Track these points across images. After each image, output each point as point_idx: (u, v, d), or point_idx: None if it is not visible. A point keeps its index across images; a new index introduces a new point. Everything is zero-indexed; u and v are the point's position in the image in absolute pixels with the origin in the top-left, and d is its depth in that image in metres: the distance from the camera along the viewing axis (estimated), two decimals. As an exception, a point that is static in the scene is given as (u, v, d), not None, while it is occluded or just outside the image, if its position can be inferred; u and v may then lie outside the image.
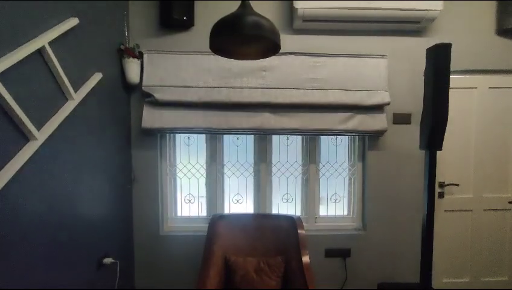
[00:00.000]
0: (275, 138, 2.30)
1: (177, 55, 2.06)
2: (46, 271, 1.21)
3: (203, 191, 2.31)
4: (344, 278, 2.25)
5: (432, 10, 1.95)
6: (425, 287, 1.84)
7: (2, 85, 0.95)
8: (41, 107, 1.20)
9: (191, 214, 2.32)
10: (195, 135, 2.26)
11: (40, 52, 1.17)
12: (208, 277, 1.69)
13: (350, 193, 2.37)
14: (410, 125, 2.22)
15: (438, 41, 1.73)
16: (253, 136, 2.28)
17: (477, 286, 2.34)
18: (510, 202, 2.32)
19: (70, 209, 1.39)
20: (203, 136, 2.26)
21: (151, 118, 2.03)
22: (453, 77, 1.83)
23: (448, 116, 1.70)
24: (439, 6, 1.95)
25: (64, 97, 1.35)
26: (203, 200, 2.32)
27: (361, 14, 1.96)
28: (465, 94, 2.27)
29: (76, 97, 1.41)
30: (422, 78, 1.88)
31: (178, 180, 2.30)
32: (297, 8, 1.93)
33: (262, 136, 2.26)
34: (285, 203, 2.36)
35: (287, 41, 2.10)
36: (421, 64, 1.99)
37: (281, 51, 1.31)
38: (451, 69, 1.70)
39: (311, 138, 2.29)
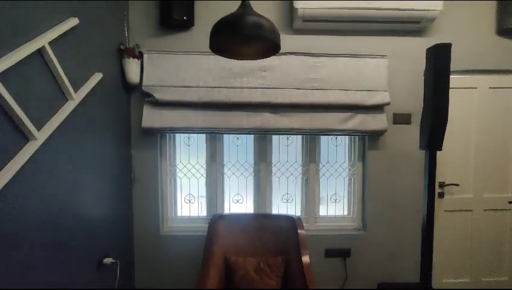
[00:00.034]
0: (274, 137, 2.30)
1: (177, 55, 2.06)
2: (46, 271, 1.21)
3: (203, 191, 2.31)
4: (344, 278, 2.25)
5: (431, 10, 1.95)
6: (425, 287, 1.84)
7: (2, 85, 0.95)
8: (41, 107, 1.20)
9: (191, 214, 2.32)
10: (195, 135, 2.26)
11: (40, 52, 1.17)
12: (207, 277, 1.69)
13: (350, 193, 2.37)
14: (410, 125, 2.22)
15: (438, 41, 1.73)
16: (253, 136, 2.28)
17: (477, 286, 2.34)
18: (510, 202, 2.32)
19: (70, 209, 1.39)
20: (203, 136, 2.26)
21: (151, 117, 2.03)
22: (453, 77, 1.82)
23: (448, 116, 1.70)
24: (439, 6, 1.95)
25: (64, 97, 1.35)
26: (203, 200, 2.32)
27: (362, 14, 1.96)
28: (465, 94, 2.27)
29: (77, 97, 1.41)
30: (422, 78, 1.88)
31: (178, 180, 2.30)
32: (297, 8, 1.93)
33: (262, 136, 2.26)
34: (285, 203, 2.36)
35: (287, 41, 2.10)
36: (421, 64, 1.99)
37: (281, 51, 1.31)
38: (451, 69, 1.70)
39: (311, 138, 2.29)
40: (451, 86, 1.71)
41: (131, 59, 1.95)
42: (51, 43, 1.20)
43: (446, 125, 1.72)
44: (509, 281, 2.35)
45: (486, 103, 2.29)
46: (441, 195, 2.30)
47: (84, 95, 1.47)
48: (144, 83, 2.03)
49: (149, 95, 2.03)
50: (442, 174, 2.28)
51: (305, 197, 2.35)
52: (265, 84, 2.09)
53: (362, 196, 2.33)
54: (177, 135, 2.28)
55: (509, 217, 2.34)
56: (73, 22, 1.37)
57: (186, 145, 2.29)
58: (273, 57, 1.84)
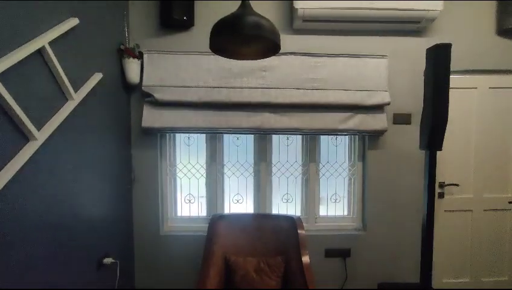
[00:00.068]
0: (274, 137, 2.30)
1: (177, 55, 2.06)
2: (46, 271, 1.21)
3: (203, 191, 2.31)
4: (344, 278, 2.25)
5: (432, 10, 1.95)
6: (425, 287, 1.84)
7: (2, 85, 0.95)
8: (41, 107, 1.20)
9: (191, 214, 2.32)
10: (195, 135, 2.26)
11: (40, 52, 1.17)
12: (207, 277, 1.69)
13: (350, 193, 2.37)
14: (410, 125, 2.22)
15: (438, 41, 1.73)
16: (253, 136, 2.28)
17: (477, 286, 2.34)
18: (510, 202, 2.32)
19: (70, 209, 1.39)
20: (203, 136, 2.26)
21: (151, 117, 2.03)
22: (453, 77, 1.82)
23: (448, 116, 1.70)
24: (439, 6, 1.95)
25: (64, 97, 1.35)
26: (203, 200, 2.32)
27: (362, 14, 1.96)
28: (465, 94, 2.27)
29: (77, 97, 1.41)
30: (422, 78, 1.88)
31: (178, 180, 2.30)
32: (297, 8, 1.93)
33: (262, 136, 2.26)
34: (285, 203, 2.36)
35: (287, 41, 2.10)
36: (421, 64, 1.99)
37: (281, 51, 1.31)
38: (451, 69, 1.70)
39: (311, 138, 2.29)
40: (451, 86, 1.71)
41: (131, 59, 1.95)
42: (51, 43, 1.20)
43: (446, 125, 1.72)
44: (509, 281, 2.35)
45: (486, 103, 2.29)
46: (441, 195, 2.30)
47: (84, 95, 1.47)
48: (144, 83, 2.03)
49: (149, 95, 2.03)
50: (442, 174, 2.28)
51: (305, 197, 2.35)
52: (265, 84, 2.09)
53: (362, 196, 2.33)
54: (177, 135, 2.28)
55: (509, 217, 2.34)
56: (73, 22, 1.37)
57: (186, 145, 2.29)
58: (273, 57, 1.84)
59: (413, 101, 2.18)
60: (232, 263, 1.82)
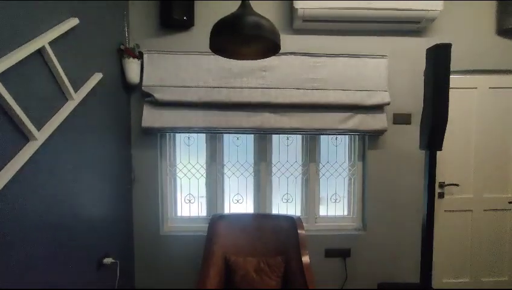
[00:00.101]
0: (274, 137, 2.30)
1: (177, 55, 2.06)
2: (46, 271, 1.21)
3: (203, 191, 2.31)
4: (344, 278, 2.25)
5: (432, 10, 1.95)
6: (425, 287, 1.84)
7: (2, 85, 0.95)
8: (41, 107, 1.20)
9: (191, 214, 2.32)
10: (195, 135, 2.26)
11: (40, 52, 1.17)
12: (207, 277, 1.69)
13: (350, 193, 2.37)
14: (410, 125, 2.22)
15: (438, 42, 1.73)
16: (253, 136, 2.28)
17: (477, 286, 2.34)
18: (510, 202, 2.32)
19: (70, 209, 1.39)
20: (203, 136, 2.26)
21: (151, 117, 2.03)
22: (453, 77, 1.83)
23: (448, 116, 1.70)
24: (439, 6, 1.95)
25: (64, 97, 1.35)
26: (203, 200, 2.32)
27: (362, 14, 1.96)
28: (465, 94, 2.27)
29: (77, 97, 1.41)
30: (422, 78, 1.88)
31: (178, 180, 2.30)
32: (297, 8, 1.93)
33: (262, 136, 2.26)
34: (285, 203, 2.36)
35: (287, 41, 2.10)
36: (421, 64, 1.99)
37: (281, 51, 1.31)
38: (451, 69, 1.70)
39: (311, 138, 2.29)
40: (451, 86, 1.71)
41: (131, 59, 1.95)
42: (51, 43, 1.20)
43: (446, 125, 1.72)
44: (509, 281, 2.35)
45: (486, 103, 2.29)
46: (441, 195, 2.30)
47: (84, 95, 1.47)
48: (144, 83, 2.03)
49: (149, 95, 2.03)
50: (442, 174, 2.28)
51: (305, 197, 2.35)
52: (265, 84, 2.09)
53: (362, 196, 2.33)
54: (177, 135, 2.28)
55: (509, 217, 2.34)
56: (73, 22, 1.37)
57: (186, 145, 2.29)
58: (273, 57, 1.84)
59: (413, 101, 2.18)
60: (232, 263, 1.82)
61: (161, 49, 2.06)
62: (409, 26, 2.09)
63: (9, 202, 1.01)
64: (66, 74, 1.31)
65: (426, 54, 1.77)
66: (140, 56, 2.02)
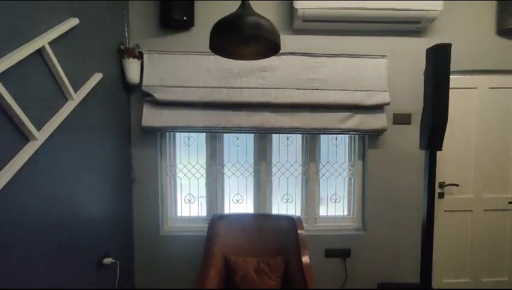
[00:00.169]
0: (274, 137, 2.30)
1: (177, 55, 2.06)
2: (46, 271, 1.21)
3: (203, 191, 2.31)
4: (344, 278, 2.25)
5: (432, 10, 1.95)
6: (425, 287, 1.84)
7: (2, 85, 0.95)
8: (41, 107, 1.20)
9: (191, 214, 2.32)
10: (195, 135, 2.26)
11: (40, 52, 1.17)
12: (207, 277, 1.69)
13: (350, 193, 2.37)
14: (410, 125, 2.22)
15: (438, 42, 1.73)
16: (253, 136, 2.28)
17: (477, 286, 2.34)
18: (510, 202, 2.32)
19: (70, 209, 1.39)
20: (203, 136, 2.26)
21: (151, 117, 2.03)
22: (453, 77, 1.83)
23: (448, 116, 1.70)
24: (439, 6, 1.95)
25: (64, 97, 1.35)
26: (203, 200, 2.32)
27: (361, 15, 1.96)
28: (465, 94, 2.27)
29: (76, 97, 1.41)
30: (422, 78, 1.88)
31: (178, 180, 2.30)
32: (297, 8, 1.93)
33: (262, 135, 2.26)
34: (285, 203, 2.36)
35: (287, 41, 2.10)
36: (421, 64, 1.99)
37: (281, 51, 1.31)
38: (451, 69, 1.70)
39: (311, 137, 2.29)
40: (451, 86, 1.71)
41: (131, 59, 1.95)
42: (51, 43, 1.20)
43: (446, 125, 1.72)
44: (509, 281, 2.35)
45: (486, 103, 2.29)
46: (441, 195, 2.30)
47: (84, 95, 1.47)
48: (144, 83, 2.03)
49: (149, 95, 2.03)
50: (442, 174, 2.28)
51: (305, 197, 2.35)
52: (265, 84, 2.09)
53: (362, 196, 2.33)
54: (177, 135, 2.28)
55: (509, 217, 2.34)
56: (73, 22, 1.37)
57: (186, 145, 2.29)
58: (273, 57, 1.84)
59: (413, 101, 2.18)
60: (232, 263, 1.82)
61: (161, 49, 2.06)
62: (409, 26, 2.09)
63: (9, 202, 1.01)
64: (66, 74, 1.31)
65: (426, 54, 1.77)
66: (140, 56, 2.02)
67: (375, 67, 2.14)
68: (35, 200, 1.15)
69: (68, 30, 1.33)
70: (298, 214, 2.34)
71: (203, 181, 2.30)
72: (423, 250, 1.83)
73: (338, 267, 2.25)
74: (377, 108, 2.14)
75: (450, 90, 1.70)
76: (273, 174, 2.32)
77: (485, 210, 2.33)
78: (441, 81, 1.68)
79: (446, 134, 1.75)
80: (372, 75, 2.13)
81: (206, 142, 2.28)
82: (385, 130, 2.14)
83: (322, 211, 2.36)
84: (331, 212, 2.37)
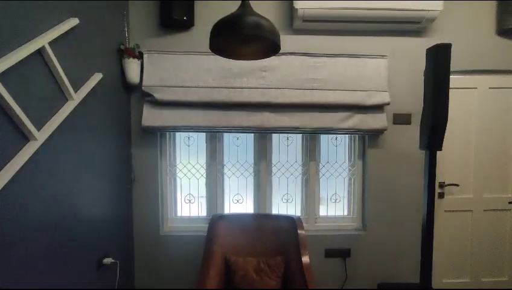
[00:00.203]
0: (274, 137, 2.30)
1: (177, 55, 2.06)
2: (46, 271, 1.21)
3: (203, 191, 2.31)
4: (344, 278, 2.25)
5: (432, 10, 1.95)
6: (425, 287, 1.84)
7: (2, 85, 0.95)
8: (41, 107, 1.20)
9: (191, 214, 2.32)
10: (195, 135, 2.26)
11: (40, 52, 1.17)
12: (207, 277, 1.69)
13: (350, 193, 2.37)
14: (410, 125, 2.22)
15: (438, 42, 1.73)
16: (253, 135, 2.28)
17: (477, 286, 2.34)
18: (510, 202, 2.32)
19: (70, 209, 1.39)
20: (203, 136, 2.26)
21: (151, 116, 2.03)
22: (453, 77, 1.83)
23: (448, 116, 1.70)
24: (439, 6, 1.95)
25: (64, 97, 1.35)
26: (203, 200, 2.32)
27: (361, 15, 1.96)
28: (465, 94, 2.27)
29: (76, 97, 1.41)
30: (422, 78, 1.88)
31: (178, 180, 2.30)
32: (297, 8, 1.93)
33: (262, 135, 2.26)
34: (285, 203, 2.35)
35: (287, 41, 2.10)
36: (421, 64, 1.99)
37: (281, 51, 1.31)
38: (451, 69, 1.70)
39: (311, 137, 2.29)
40: (451, 86, 1.71)
41: (131, 59, 1.95)
42: (51, 43, 1.20)
43: (446, 125, 1.72)
44: (509, 281, 2.35)
45: (486, 103, 2.29)
46: (441, 195, 2.30)
47: (84, 95, 1.47)
48: (144, 83, 2.03)
49: (149, 95, 2.03)
50: (442, 174, 2.28)
51: (305, 197, 2.35)
52: (266, 84, 2.09)
53: (362, 196, 2.33)
54: (177, 135, 2.28)
55: (509, 217, 2.34)
56: (73, 22, 1.37)
57: (186, 145, 2.29)
58: (273, 57, 1.84)
59: (413, 101, 2.18)
60: (232, 263, 1.82)
61: (161, 49, 2.06)
62: (409, 26, 2.09)
63: (9, 202, 1.01)
64: (66, 74, 1.31)
65: (426, 54, 1.77)
66: (140, 56, 2.02)
67: (375, 67, 2.14)
68: (35, 200, 1.15)
69: (68, 30, 1.33)
70: (298, 214, 2.34)
71: (203, 181, 2.30)
72: (423, 250, 1.83)
73: (338, 267, 2.25)
74: (377, 108, 2.14)
75: (450, 90, 1.70)
76: (273, 174, 2.32)
77: (485, 210, 2.33)
78: (441, 81, 1.68)
79: (446, 134, 1.75)
80: (372, 75, 2.13)
81: (206, 142, 2.28)
82: (385, 130, 2.14)
83: (322, 211, 2.36)
84: (331, 212, 2.37)
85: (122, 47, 1.92)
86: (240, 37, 1.19)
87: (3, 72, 0.96)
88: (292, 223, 1.94)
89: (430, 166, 1.79)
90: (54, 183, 1.27)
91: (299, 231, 1.87)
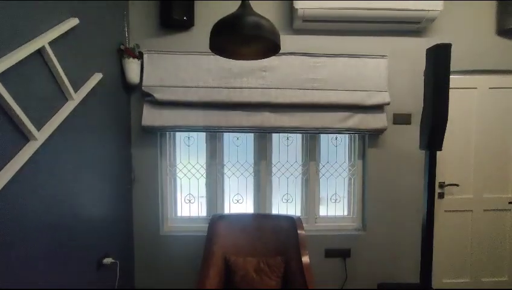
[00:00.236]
0: (274, 137, 2.30)
1: (177, 55, 2.06)
2: (46, 271, 1.21)
3: (203, 191, 2.31)
4: (344, 278, 2.25)
5: (432, 10, 1.95)
6: (425, 287, 1.84)
7: (2, 85, 0.95)
8: (41, 107, 1.20)
9: (191, 214, 2.32)
10: (195, 135, 2.26)
11: (40, 52, 1.17)
12: (207, 277, 1.69)
13: (350, 193, 2.37)
14: (410, 125, 2.22)
15: (438, 42, 1.73)
16: (253, 135, 2.28)
17: (477, 286, 2.34)
18: (510, 202, 2.32)
19: (70, 209, 1.39)
20: (203, 136, 2.26)
21: (151, 116, 2.03)
22: (453, 77, 1.83)
23: (448, 116, 1.70)
24: (439, 6, 1.95)
25: (64, 97, 1.35)
26: (203, 200, 2.32)
27: (361, 15, 1.96)
28: (465, 94, 2.27)
29: (76, 97, 1.41)
30: (422, 78, 1.88)
31: (178, 180, 2.30)
32: (297, 8, 1.93)
33: (262, 135, 2.26)
34: (285, 203, 2.35)
35: (287, 41, 2.10)
36: (421, 64, 1.99)
37: (281, 51, 1.31)
38: (451, 69, 1.70)
39: (311, 137, 2.29)
40: (451, 86, 1.71)
41: (131, 59, 1.95)
42: (51, 43, 1.20)
43: (446, 125, 1.72)
44: (509, 281, 2.35)
45: (486, 103, 2.29)
46: (441, 195, 2.30)
47: (84, 95, 1.47)
48: (144, 83, 2.03)
49: (149, 95, 2.03)
50: (442, 174, 2.28)
51: (305, 197, 2.35)
52: (266, 85, 2.09)
53: (362, 196, 2.33)
54: (177, 135, 2.28)
55: (509, 217, 2.34)
56: (73, 22, 1.37)
57: (186, 145, 2.29)
58: (273, 57, 1.84)
59: (413, 101, 2.18)
60: (232, 263, 1.82)
61: (161, 49, 2.06)
62: (409, 26, 2.09)
63: (9, 202, 1.01)
64: (66, 74, 1.31)
65: (426, 54, 1.77)
66: (140, 56, 2.02)
67: (375, 67, 2.14)
68: (35, 200, 1.15)
69: (68, 30, 1.33)
70: (298, 214, 2.34)
71: (203, 181, 2.30)
72: (423, 250, 1.83)
73: (338, 267, 2.25)
74: (377, 108, 2.14)
75: (450, 90, 1.70)
76: (273, 174, 2.32)
77: (485, 210, 2.33)
78: (441, 81, 1.68)
79: (446, 134, 1.75)
80: (372, 75, 2.13)
81: (206, 142, 2.28)
82: (385, 129, 2.14)
83: (322, 211, 2.36)
84: (331, 212, 2.37)
85: (122, 47, 1.92)
86: (240, 37, 1.19)
87: (3, 72, 0.96)
88: (292, 223, 1.94)
89: (430, 166, 1.79)
90: (54, 183, 1.27)
91: (299, 231, 1.87)
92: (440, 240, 2.30)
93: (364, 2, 1.91)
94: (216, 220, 1.97)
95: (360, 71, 2.13)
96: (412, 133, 2.19)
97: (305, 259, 1.75)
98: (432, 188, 1.79)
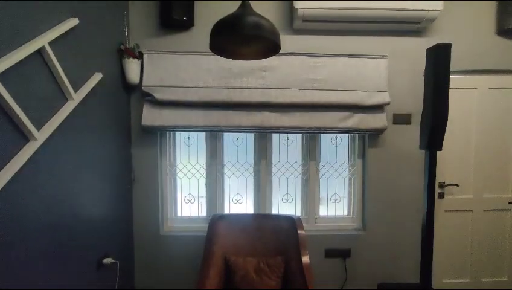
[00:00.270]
0: (274, 137, 2.30)
1: (177, 55, 2.06)
2: (46, 271, 1.21)
3: (203, 191, 2.31)
4: (344, 278, 2.25)
5: (432, 10, 1.95)
6: (425, 287, 1.84)
7: (2, 85, 0.95)
8: (41, 107, 1.20)
9: (191, 214, 2.32)
10: (195, 135, 2.26)
11: (40, 52, 1.17)
12: (207, 277, 1.69)
13: (350, 193, 2.37)
14: (410, 125, 2.22)
15: (438, 42, 1.73)
16: (253, 135, 2.28)
17: (477, 286, 2.34)
18: (510, 202, 2.32)
19: (70, 209, 1.39)
20: (203, 136, 2.26)
21: (151, 116, 2.03)
22: (453, 77, 1.82)
23: (448, 116, 1.70)
24: (439, 6, 1.95)
25: (64, 97, 1.35)
26: (203, 200, 2.32)
27: (361, 15, 1.96)
28: (465, 94, 2.27)
29: (76, 97, 1.41)
30: (422, 78, 1.88)
31: (178, 180, 2.30)
32: (297, 8, 1.93)
33: (263, 135, 2.26)
34: (285, 203, 2.35)
35: (287, 41, 2.10)
36: (421, 64, 1.99)
37: (281, 51, 1.31)
38: (451, 69, 1.70)
39: (311, 137, 2.29)
40: (451, 86, 1.71)
41: (131, 59, 1.95)
42: (51, 43, 1.20)
43: (446, 125, 1.72)
44: (509, 281, 2.35)
45: (486, 103, 2.29)
46: (441, 195, 2.30)
47: (84, 95, 1.47)
48: (144, 83, 2.03)
49: (149, 95, 2.03)
50: (442, 174, 2.28)
51: (305, 197, 2.35)
52: (266, 85, 2.09)
53: (362, 196, 2.33)
54: (177, 135, 2.28)
55: (509, 217, 2.34)
56: (73, 22, 1.37)
57: (186, 145, 2.29)
58: (273, 57, 1.84)
59: (413, 101, 2.18)
60: (232, 263, 1.82)
61: (161, 49, 2.06)
62: (409, 26, 2.09)
63: (9, 202, 1.01)
64: (66, 74, 1.31)
65: (426, 54, 1.77)
66: (140, 56, 2.02)
67: (375, 67, 2.14)
68: (35, 200, 1.15)
69: (68, 30, 1.33)
70: (298, 214, 2.34)
71: (203, 181, 2.30)
72: (423, 250, 1.83)
73: (338, 267, 2.25)
74: (377, 108, 2.14)
75: (450, 90, 1.70)
76: (273, 174, 2.32)
77: (485, 210, 2.33)
78: (441, 81, 1.68)
79: (446, 134, 1.75)
80: (372, 75, 2.13)
81: (206, 142, 2.28)
82: (385, 129, 2.14)
83: (322, 211, 2.36)
84: (331, 212, 2.37)
85: (122, 47, 1.92)
86: (240, 37, 1.19)
87: (3, 72, 0.96)
88: (292, 223, 1.94)
89: (430, 166, 1.79)
90: (54, 183, 1.27)
91: (299, 231, 1.87)
92: (440, 240, 2.30)
93: (364, 2, 1.91)
94: (216, 220, 1.97)
95: (360, 71, 2.13)
96: (412, 133, 2.19)
97: (305, 259, 1.75)
98: (432, 188, 1.79)
